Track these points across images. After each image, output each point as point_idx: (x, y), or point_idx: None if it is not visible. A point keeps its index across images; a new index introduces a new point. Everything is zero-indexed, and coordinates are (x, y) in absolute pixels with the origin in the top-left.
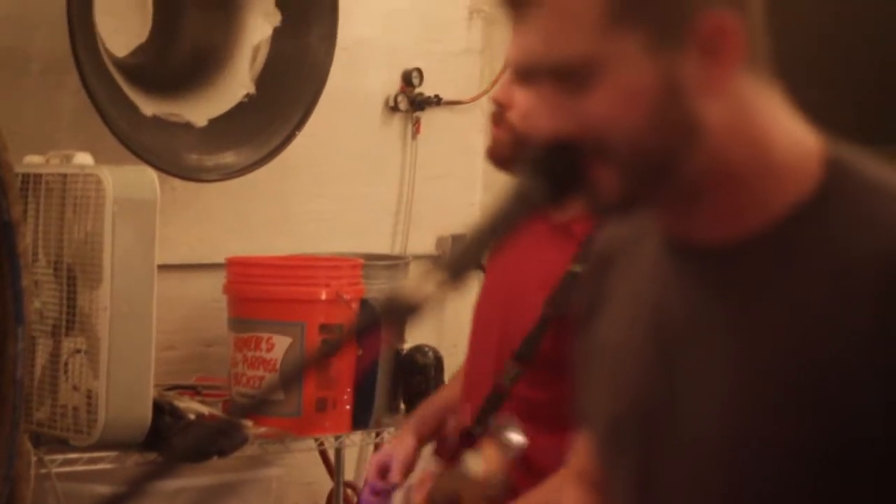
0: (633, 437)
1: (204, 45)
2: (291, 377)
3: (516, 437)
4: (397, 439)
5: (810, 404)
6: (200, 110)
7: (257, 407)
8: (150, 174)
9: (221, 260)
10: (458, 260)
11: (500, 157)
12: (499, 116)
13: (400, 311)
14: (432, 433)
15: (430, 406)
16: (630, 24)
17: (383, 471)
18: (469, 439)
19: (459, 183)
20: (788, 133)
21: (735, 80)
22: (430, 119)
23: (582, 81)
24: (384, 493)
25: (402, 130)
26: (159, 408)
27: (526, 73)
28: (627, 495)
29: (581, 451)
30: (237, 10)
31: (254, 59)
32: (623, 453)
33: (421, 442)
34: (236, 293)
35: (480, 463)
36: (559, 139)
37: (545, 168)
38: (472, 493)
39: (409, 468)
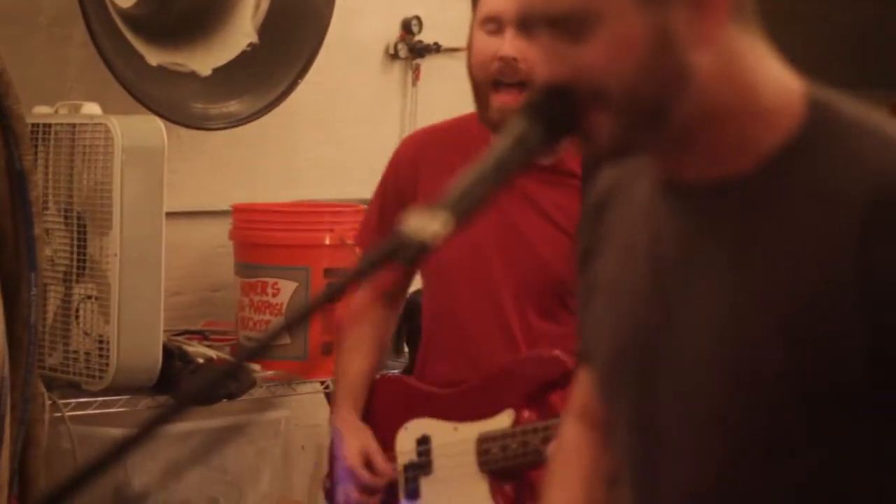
0: (632, 369)
1: None
2: (297, 320)
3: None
4: (350, 426)
5: (797, 333)
6: (205, 60)
7: (263, 350)
8: (158, 123)
9: (227, 207)
10: (462, 200)
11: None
12: (505, 77)
13: (405, 253)
14: (364, 407)
15: (356, 378)
16: None
17: (368, 464)
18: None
19: None
20: (773, 77)
21: (723, 29)
22: (430, 66)
23: (578, 31)
24: (376, 490)
25: (402, 77)
26: (169, 352)
27: (526, 22)
28: (629, 427)
29: (581, 388)
30: None
31: (256, 8)
32: (623, 386)
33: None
34: (242, 239)
35: None
36: (556, 84)
37: (542, 112)
38: None
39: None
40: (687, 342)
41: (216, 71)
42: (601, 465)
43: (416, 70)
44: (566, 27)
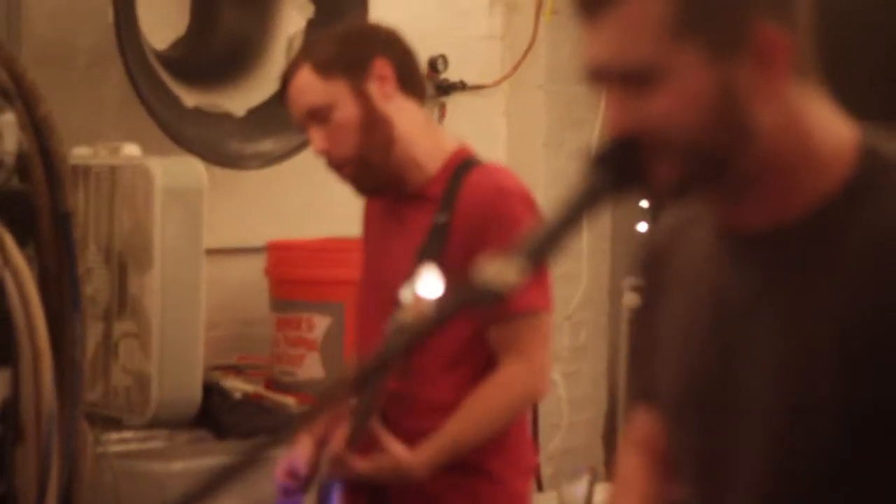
0: (697, 410)
1: (240, 37)
2: (389, 359)
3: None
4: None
5: (856, 370)
6: (239, 101)
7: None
8: (198, 165)
9: (262, 243)
10: (538, 250)
11: (369, 188)
12: (335, 165)
13: (483, 301)
14: (325, 434)
15: None
16: (693, 35)
17: (292, 473)
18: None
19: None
20: (829, 128)
21: (785, 84)
22: (456, 104)
23: (647, 84)
24: (295, 492)
25: (430, 114)
26: (207, 387)
27: (597, 75)
28: (694, 464)
29: (640, 423)
30: (271, 3)
31: (289, 49)
32: (688, 425)
33: (319, 444)
34: (277, 275)
35: (408, 312)
36: (624, 136)
37: (612, 162)
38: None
39: (315, 466)
40: (751, 384)
41: (251, 111)
42: (658, 492)
43: (443, 108)
44: (636, 81)
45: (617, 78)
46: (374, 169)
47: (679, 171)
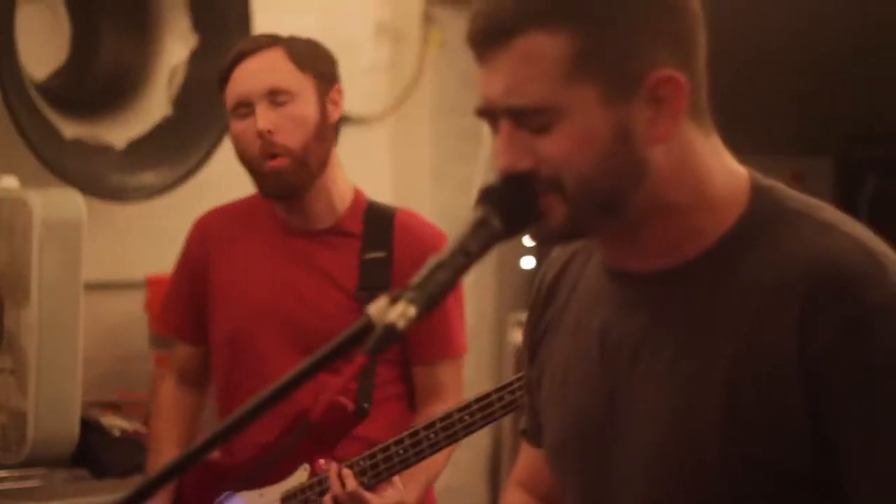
0: (580, 452)
1: (122, 67)
2: (269, 399)
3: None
4: None
5: (741, 425)
6: (120, 132)
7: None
8: (76, 197)
9: (143, 277)
10: (426, 285)
11: (288, 186)
12: (270, 149)
13: (372, 339)
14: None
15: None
16: (589, 76)
17: None
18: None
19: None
20: (722, 170)
21: (679, 127)
22: (340, 136)
23: (541, 123)
24: None
25: None
26: (85, 424)
27: (489, 112)
28: None
29: (523, 461)
30: (154, 33)
31: (171, 80)
32: (571, 467)
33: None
34: (157, 310)
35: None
36: (515, 173)
37: (501, 199)
38: None
39: None
40: (634, 430)
41: (132, 143)
42: None
43: None
44: (531, 120)
45: (510, 115)
46: (304, 174)
47: (569, 208)
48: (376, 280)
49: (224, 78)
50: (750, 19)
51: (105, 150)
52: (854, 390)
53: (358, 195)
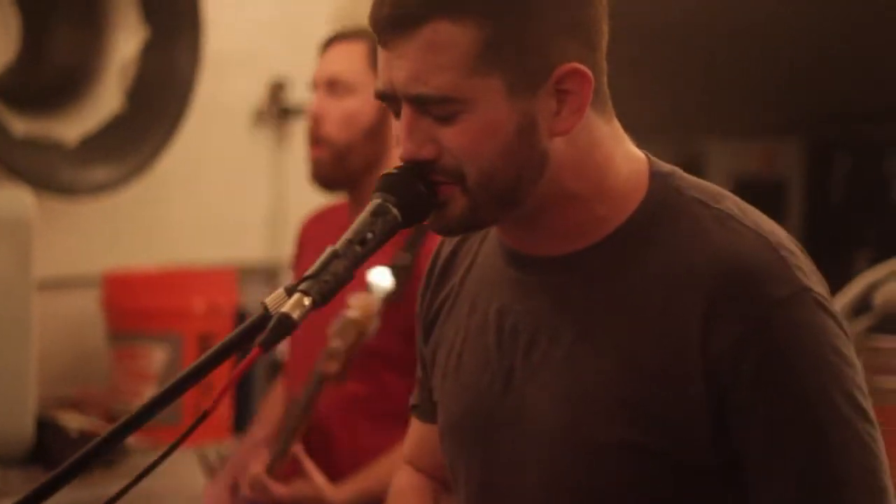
0: (474, 433)
1: (72, 62)
2: (172, 391)
3: (383, 281)
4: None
5: (642, 409)
6: (71, 128)
7: (136, 423)
8: (26, 195)
9: (98, 273)
10: (319, 276)
11: (325, 177)
12: (315, 135)
13: (269, 329)
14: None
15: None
16: (495, 68)
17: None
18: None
19: None
20: (622, 157)
21: (583, 119)
22: (299, 128)
23: (445, 113)
24: None
25: (270, 140)
26: (41, 422)
27: (392, 97)
28: (469, 486)
29: (412, 438)
30: (104, 27)
31: (122, 74)
32: (464, 448)
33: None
34: (112, 307)
35: (356, 309)
36: (416, 161)
37: (401, 186)
38: (349, 335)
39: None
40: (533, 412)
41: (83, 139)
42: None
43: (285, 132)
44: (434, 108)
45: (413, 102)
46: (343, 169)
47: (469, 199)
48: (395, 288)
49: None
50: (720, 1)
51: (56, 146)
52: (758, 387)
53: None
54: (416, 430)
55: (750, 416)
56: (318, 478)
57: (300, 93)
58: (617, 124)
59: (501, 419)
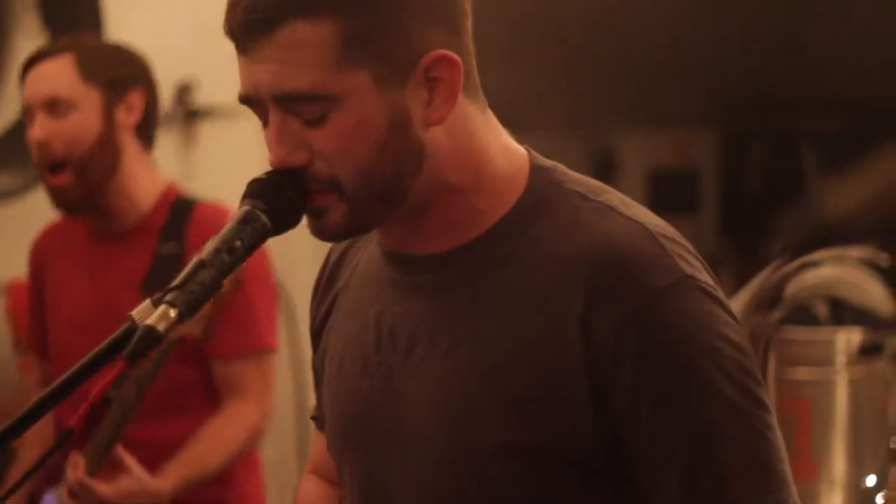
0: (358, 437)
1: None
2: (39, 407)
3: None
4: None
5: (523, 405)
6: None
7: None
8: None
9: (1, 283)
10: (186, 285)
11: (73, 202)
12: (49, 161)
13: (142, 345)
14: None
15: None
16: (359, 62)
17: None
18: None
19: (239, 192)
20: (501, 149)
21: (455, 108)
22: (207, 130)
23: (315, 115)
24: None
25: (178, 142)
26: None
27: (255, 100)
28: (358, 491)
29: (317, 448)
30: (3, 32)
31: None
32: (351, 453)
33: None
34: (18, 315)
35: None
36: (285, 167)
37: (271, 194)
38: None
39: None
40: (414, 414)
41: None
42: None
43: (192, 135)
44: (303, 110)
45: (279, 104)
46: (86, 186)
47: (348, 205)
48: (165, 275)
49: (21, 82)
50: None
51: None
52: (640, 380)
53: (168, 191)
54: (319, 440)
55: (633, 410)
56: (140, 471)
57: (207, 94)
58: (491, 115)
59: (382, 424)
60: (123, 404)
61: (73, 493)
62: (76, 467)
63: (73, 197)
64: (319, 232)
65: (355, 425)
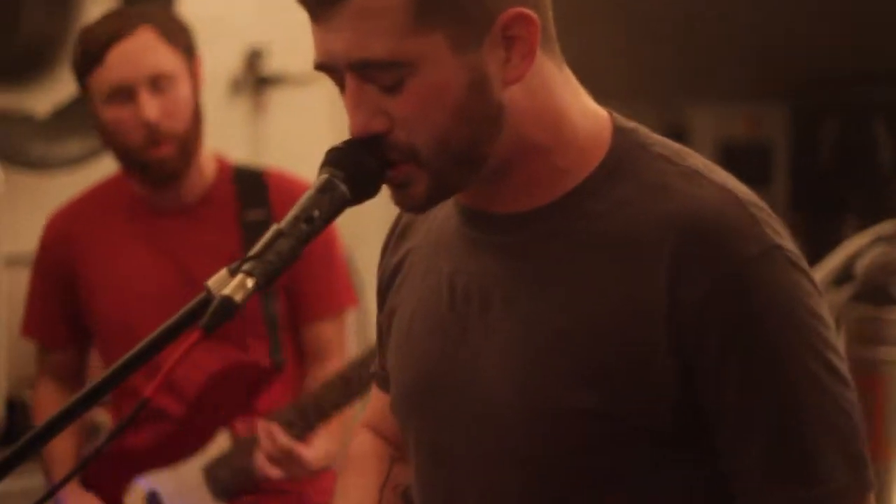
0: (429, 398)
1: (42, 33)
2: (116, 375)
3: None
4: (75, 493)
5: (603, 371)
6: (43, 101)
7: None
8: None
9: None
10: (265, 255)
11: (173, 171)
12: (156, 136)
13: (211, 312)
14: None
15: (65, 457)
16: (434, 24)
17: None
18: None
19: (309, 160)
20: (581, 108)
21: (533, 66)
22: (276, 97)
23: (391, 81)
24: None
25: (248, 109)
26: (12, 403)
27: (331, 66)
28: (423, 452)
29: (374, 405)
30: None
31: None
32: (419, 413)
33: None
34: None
35: None
36: (367, 135)
37: (350, 162)
38: None
39: None
40: (487, 376)
41: (55, 111)
42: (393, 475)
43: (262, 102)
44: (379, 76)
45: (355, 71)
46: (187, 157)
47: (430, 173)
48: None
49: (93, 60)
50: None
51: (26, 119)
52: (727, 349)
53: (221, 161)
54: (377, 398)
55: (719, 378)
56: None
57: (278, 61)
58: (569, 72)
59: (453, 384)
60: (350, 376)
61: (274, 460)
62: (271, 435)
63: (174, 167)
64: (403, 203)
65: (425, 387)
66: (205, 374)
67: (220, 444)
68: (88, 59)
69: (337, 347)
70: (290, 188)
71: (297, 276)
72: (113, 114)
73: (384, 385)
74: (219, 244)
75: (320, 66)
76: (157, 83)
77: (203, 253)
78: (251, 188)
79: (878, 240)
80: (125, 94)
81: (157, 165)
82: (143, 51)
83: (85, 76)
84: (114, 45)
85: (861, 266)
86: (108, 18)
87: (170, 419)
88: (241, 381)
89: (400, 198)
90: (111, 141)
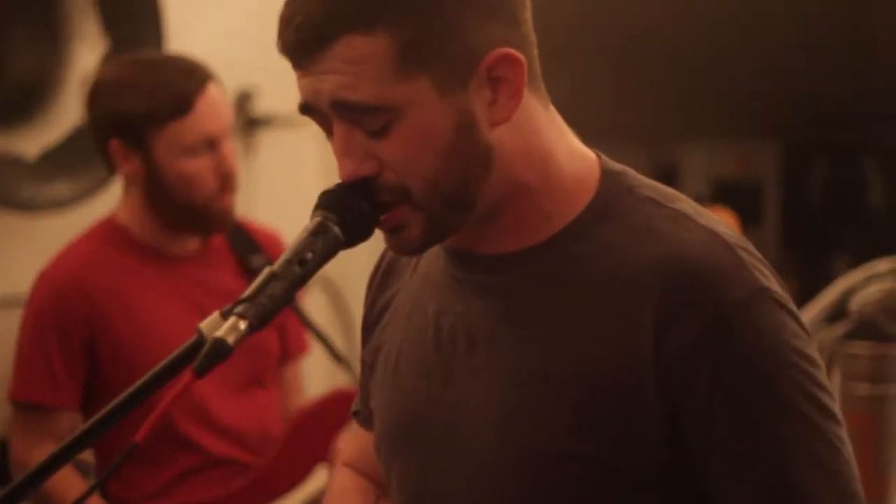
0: (411, 438)
1: (31, 75)
2: (105, 420)
3: None
4: None
5: (589, 414)
6: (31, 143)
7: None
8: None
9: None
10: (257, 298)
11: (232, 218)
12: (229, 186)
13: (203, 355)
14: None
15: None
16: (419, 68)
17: None
18: None
19: (300, 202)
20: (567, 149)
21: (520, 107)
22: (267, 138)
23: (378, 126)
24: None
25: (238, 151)
26: (2, 444)
27: (316, 109)
28: (404, 492)
29: (352, 443)
30: (63, 39)
31: (83, 86)
32: (400, 453)
33: None
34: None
35: None
36: (355, 180)
37: (343, 206)
38: None
39: None
40: (472, 418)
41: (44, 153)
42: None
43: (252, 144)
44: (366, 121)
45: (342, 115)
46: (234, 201)
47: (423, 215)
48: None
49: (184, 107)
50: (695, 4)
51: (16, 161)
52: (715, 392)
53: None
54: (358, 436)
55: (707, 421)
56: None
57: (267, 102)
58: (555, 112)
59: (438, 427)
60: None
61: None
62: None
63: (233, 214)
64: (397, 247)
65: (409, 428)
66: (300, 413)
67: (320, 479)
68: (178, 105)
69: (300, 386)
70: (269, 235)
71: (284, 317)
72: (196, 164)
73: (366, 423)
74: (234, 288)
75: (305, 108)
76: (228, 132)
77: (221, 297)
78: (238, 235)
79: (872, 277)
80: (209, 143)
81: (223, 214)
82: (223, 100)
83: (157, 126)
84: (204, 91)
85: (856, 303)
86: (171, 65)
87: (237, 464)
88: (337, 415)
89: (394, 242)
90: (185, 192)
